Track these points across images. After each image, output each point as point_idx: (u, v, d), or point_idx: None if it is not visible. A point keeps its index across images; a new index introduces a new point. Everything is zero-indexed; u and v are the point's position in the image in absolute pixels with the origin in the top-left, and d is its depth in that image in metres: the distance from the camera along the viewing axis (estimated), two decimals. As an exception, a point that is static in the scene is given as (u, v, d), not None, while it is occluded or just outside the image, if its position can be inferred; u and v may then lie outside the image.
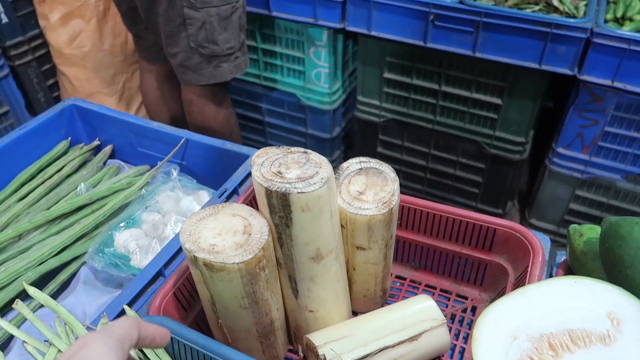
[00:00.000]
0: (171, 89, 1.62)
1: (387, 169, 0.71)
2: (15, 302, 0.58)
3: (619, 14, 1.38)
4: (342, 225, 0.68)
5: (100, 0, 1.79)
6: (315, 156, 0.63)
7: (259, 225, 0.61)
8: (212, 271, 0.58)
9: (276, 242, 0.63)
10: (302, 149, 0.64)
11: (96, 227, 0.86)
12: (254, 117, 2.05)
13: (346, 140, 2.06)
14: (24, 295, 0.76)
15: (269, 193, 0.58)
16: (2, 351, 0.73)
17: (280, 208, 0.59)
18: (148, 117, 1.75)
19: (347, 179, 0.70)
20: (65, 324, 0.60)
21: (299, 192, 0.57)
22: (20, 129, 0.97)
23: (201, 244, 0.59)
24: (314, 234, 0.61)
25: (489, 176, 1.76)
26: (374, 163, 0.72)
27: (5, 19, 1.82)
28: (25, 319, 0.74)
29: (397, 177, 0.69)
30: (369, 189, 0.68)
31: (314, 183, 0.58)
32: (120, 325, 0.43)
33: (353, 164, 0.72)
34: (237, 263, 0.57)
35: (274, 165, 0.61)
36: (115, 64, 1.89)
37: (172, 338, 0.63)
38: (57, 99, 2.08)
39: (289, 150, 0.65)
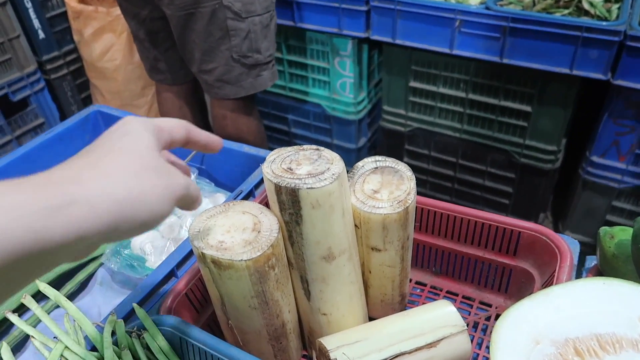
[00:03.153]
0: (193, 107, 1.62)
1: (403, 168, 0.68)
2: (23, 296, 0.58)
3: (655, 16, 1.32)
4: (355, 225, 0.66)
5: (131, 15, 1.84)
6: (327, 153, 0.61)
7: (269, 223, 0.60)
8: (220, 269, 0.57)
9: (287, 241, 0.61)
10: (314, 147, 0.63)
11: (114, 229, 0.86)
12: (280, 128, 2.06)
13: (372, 150, 2.04)
14: (40, 296, 0.77)
15: (278, 189, 0.57)
16: (19, 350, 0.73)
17: (290, 204, 0.57)
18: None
19: (362, 178, 0.68)
20: (74, 320, 0.60)
21: (309, 188, 0.56)
22: (46, 134, 1.00)
23: (210, 240, 0.58)
24: (325, 232, 0.59)
25: (519, 187, 1.71)
26: (390, 162, 0.70)
27: (42, 35, 1.90)
28: (40, 319, 0.74)
29: (413, 176, 0.67)
30: (384, 188, 0.66)
31: (325, 179, 0.56)
32: (165, 120, 0.45)
33: (368, 162, 0.70)
34: (245, 260, 0.56)
35: (285, 162, 0.60)
36: (144, 77, 1.94)
37: (180, 338, 0.61)
38: (90, 112, 2.15)
39: (301, 148, 0.63)
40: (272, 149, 2.06)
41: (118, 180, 0.35)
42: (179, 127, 0.46)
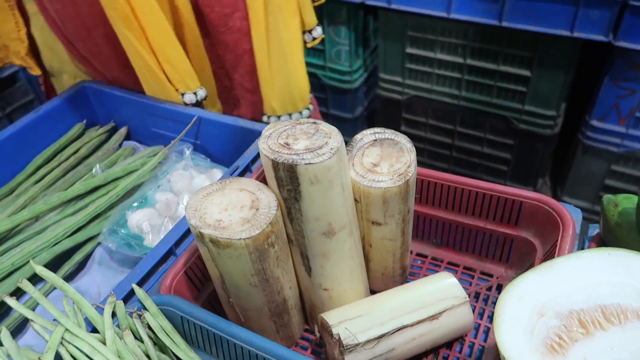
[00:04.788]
0: None
1: (403, 140, 0.67)
2: (20, 280, 0.57)
3: (658, -26, 1.28)
4: (355, 200, 0.65)
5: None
6: (324, 126, 0.60)
7: (267, 200, 0.59)
8: (219, 248, 0.56)
9: (286, 218, 0.60)
10: (311, 120, 0.61)
11: (110, 207, 0.85)
12: (274, 98, 2.02)
13: (369, 119, 2.01)
14: (37, 278, 0.76)
15: (275, 165, 0.56)
16: (19, 332, 0.73)
17: (288, 181, 0.56)
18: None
19: (361, 151, 0.66)
20: (73, 302, 0.59)
21: (307, 164, 0.54)
22: (35, 112, 0.97)
23: (207, 219, 0.57)
24: (325, 208, 0.58)
25: (518, 153, 1.69)
26: (389, 134, 0.68)
27: (26, 8, 1.83)
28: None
29: (413, 148, 0.65)
30: (384, 161, 0.64)
31: (323, 154, 0.55)
32: None
33: (367, 135, 0.69)
34: (244, 239, 0.55)
35: (282, 137, 0.58)
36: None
37: (181, 317, 0.61)
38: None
39: (298, 122, 0.61)
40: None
41: None
42: None
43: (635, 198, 0.60)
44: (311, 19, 1.07)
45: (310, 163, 0.54)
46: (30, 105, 1.88)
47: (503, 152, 1.72)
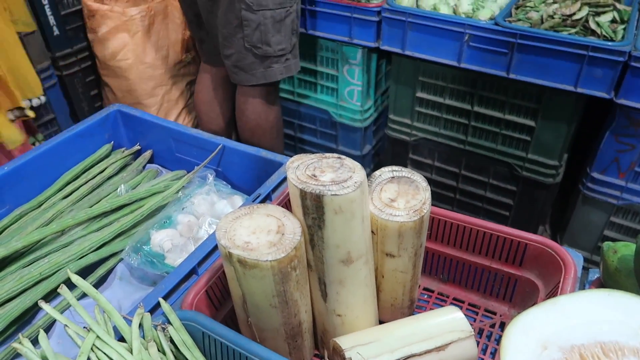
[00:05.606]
0: (225, 91, 1.70)
1: (418, 179, 0.72)
2: (60, 286, 0.61)
3: (658, 39, 1.36)
4: (372, 232, 0.69)
5: (145, 16, 1.87)
6: (349, 162, 0.65)
7: (292, 226, 0.63)
8: (245, 268, 0.60)
9: (308, 244, 0.64)
10: (336, 155, 0.66)
11: (134, 226, 0.89)
12: (286, 132, 2.09)
13: (376, 158, 2.07)
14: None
15: (303, 194, 0.60)
16: (41, 339, 0.76)
17: (314, 209, 0.61)
18: (197, 116, 1.82)
19: (379, 187, 0.71)
20: (104, 312, 0.63)
21: (333, 195, 0.59)
22: (68, 131, 1.03)
23: (236, 241, 0.61)
24: (345, 237, 0.62)
25: (520, 199, 1.74)
26: (406, 172, 0.73)
27: (57, 32, 1.92)
28: (67, 308, 0.77)
29: (428, 187, 0.70)
30: (401, 197, 0.69)
31: (348, 186, 0.60)
32: None
33: (385, 172, 0.74)
34: (270, 261, 0.59)
35: (309, 169, 0.63)
36: (155, 77, 1.97)
37: (202, 333, 0.64)
38: (99, 109, 2.16)
39: (324, 156, 0.67)
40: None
41: None
42: None
43: (633, 246, 0.65)
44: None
45: (336, 194, 0.59)
46: (50, 124, 1.94)
47: (505, 197, 1.77)
